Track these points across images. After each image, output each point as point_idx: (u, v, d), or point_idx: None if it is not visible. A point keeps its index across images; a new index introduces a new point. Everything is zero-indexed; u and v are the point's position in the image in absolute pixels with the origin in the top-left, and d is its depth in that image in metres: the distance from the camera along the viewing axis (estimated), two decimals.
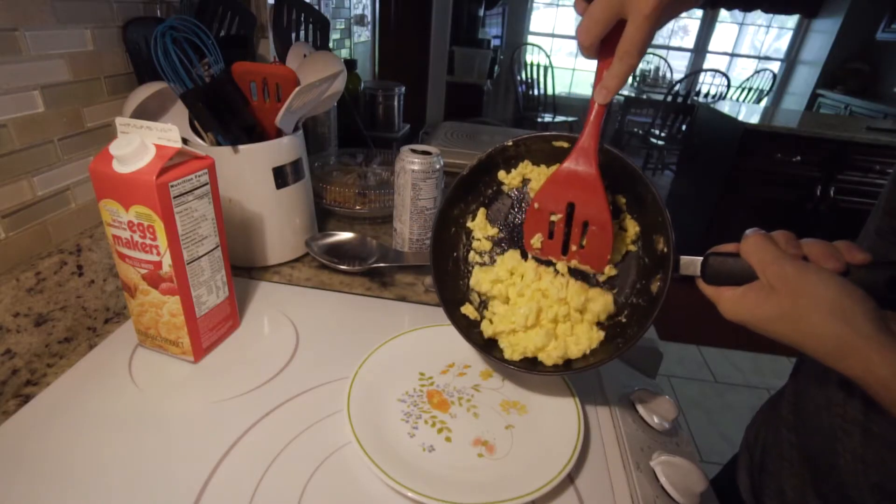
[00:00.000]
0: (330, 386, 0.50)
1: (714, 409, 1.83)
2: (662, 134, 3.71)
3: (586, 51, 0.38)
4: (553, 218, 0.45)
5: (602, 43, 0.37)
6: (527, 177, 0.51)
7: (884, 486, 0.39)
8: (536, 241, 0.47)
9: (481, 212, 0.52)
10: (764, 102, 4.27)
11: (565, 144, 0.47)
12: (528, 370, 0.47)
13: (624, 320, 0.47)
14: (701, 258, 0.39)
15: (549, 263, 0.49)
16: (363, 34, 1.46)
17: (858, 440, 0.41)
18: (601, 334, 0.46)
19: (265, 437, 0.44)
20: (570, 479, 0.43)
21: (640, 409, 0.50)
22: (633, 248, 0.47)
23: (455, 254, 0.53)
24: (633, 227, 0.47)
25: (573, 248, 0.46)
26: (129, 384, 0.48)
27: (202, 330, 0.51)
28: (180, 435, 0.44)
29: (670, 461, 0.43)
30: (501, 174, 0.51)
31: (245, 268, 0.69)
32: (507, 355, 0.48)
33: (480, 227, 0.52)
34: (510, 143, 0.48)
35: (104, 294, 0.57)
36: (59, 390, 0.47)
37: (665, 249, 0.42)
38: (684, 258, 0.40)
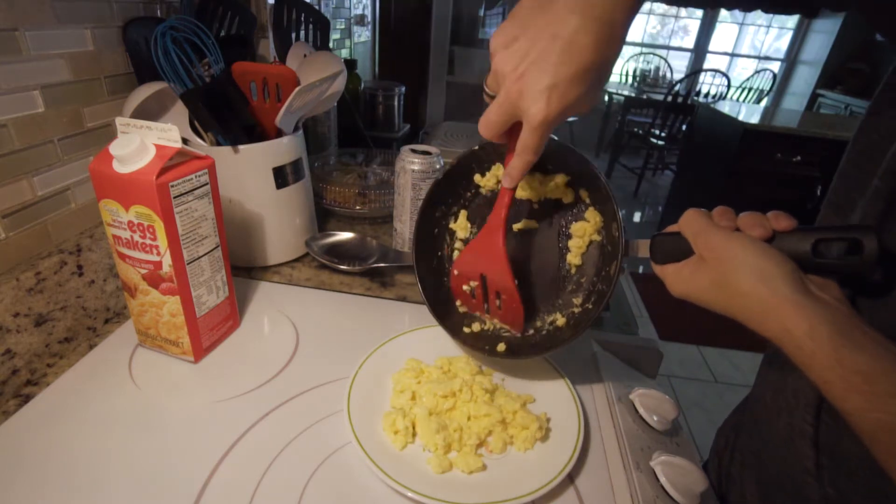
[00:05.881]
0: (330, 386, 0.50)
1: (714, 409, 1.83)
2: (663, 134, 3.70)
3: (489, 139, 0.40)
4: (473, 284, 0.50)
5: (508, 131, 0.39)
6: (500, 177, 0.52)
7: (830, 498, 0.37)
8: (464, 299, 0.53)
9: (462, 213, 0.55)
10: (764, 102, 4.27)
11: None
12: (512, 356, 0.50)
13: (591, 307, 0.49)
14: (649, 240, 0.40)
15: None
16: (363, 34, 1.46)
17: (807, 449, 0.39)
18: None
19: (265, 437, 0.44)
20: (570, 479, 0.43)
21: (640, 409, 0.50)
22: (597, 237, 0.50)
23: (440, 253, 0.56)
24: (595, 218, 0.49)
25: (496, 302, 0.50)
26: (129, 384, 0.48)
27: (202, 330, 0.51)
28: (180, 435, 0.44)
29: (670, 461, 0.43)
30: (477, 177, 0.53)
31: (245, 268, 0.69)
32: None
33: (462, 228, 0.55)
34: (477, 148, 0.51)
35: (104, 294, 0.57)
36: (59, 390, 0.47)
37: (618, 235, 0.44)
38: (637, 241, 0.42)
